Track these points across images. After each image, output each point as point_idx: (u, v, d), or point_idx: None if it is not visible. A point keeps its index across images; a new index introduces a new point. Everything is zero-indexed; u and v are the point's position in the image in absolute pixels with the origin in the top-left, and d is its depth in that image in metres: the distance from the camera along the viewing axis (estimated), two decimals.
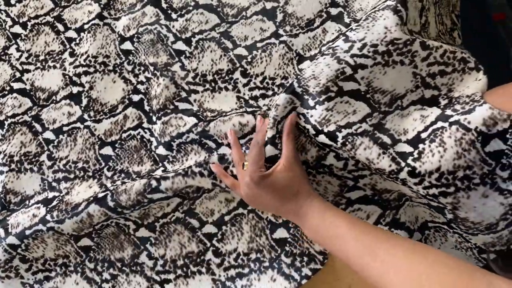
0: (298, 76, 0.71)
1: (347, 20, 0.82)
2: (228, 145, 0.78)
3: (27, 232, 0.80)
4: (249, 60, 0.84)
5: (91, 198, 0.79)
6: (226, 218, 0.80)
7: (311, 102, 0.69)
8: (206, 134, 0.79)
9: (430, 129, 0.64)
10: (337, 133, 0.67)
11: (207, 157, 0.78)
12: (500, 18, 1.02)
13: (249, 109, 0.80)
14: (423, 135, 0.64)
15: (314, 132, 0.69)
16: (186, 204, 0.80)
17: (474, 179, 0.61)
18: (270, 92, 0.82)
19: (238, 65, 0.84)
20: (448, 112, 0.63)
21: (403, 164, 0.64)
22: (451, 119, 0.62)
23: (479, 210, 0.64)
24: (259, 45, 0.84)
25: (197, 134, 0.79)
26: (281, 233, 0.79)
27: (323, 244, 0.66)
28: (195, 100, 0.83)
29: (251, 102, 0.82)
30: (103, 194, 0.78)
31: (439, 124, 0.63)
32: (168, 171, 0.80)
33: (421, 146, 0.63)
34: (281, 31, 0.84)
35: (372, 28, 0.68)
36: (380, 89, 0.68)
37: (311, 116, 0.69)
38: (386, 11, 0.68)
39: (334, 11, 0.83)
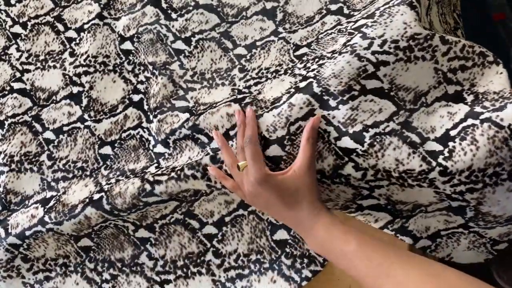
0: (316, 75, 0.68)
1: (346, 11, 0.81)
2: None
3: (27, 233, 0.80)
4: (248, 58, 0.84)
5: (87, 200, 0.78)
6: (227, 219, 0.80)
7: (332, 103, 0.66)
8: (197, 128, 0.77)
9: (459, 127, 0.62)
10: (364, 133, 0.65)
11: (200, 153, 0.76)
12: (500, 18, 1.02)
13: (239, 96, 0.78)
14: (452, 133, 0.62)
15: (336, 135, 0.66)
16: (184, 206, 0.80)
17: (502, 175, 0.60)
18: (263, 79, 0.80)
19: (237, 63, 0.84)
20: (478, 109, 0.62)
21: (434, 163, 0.62)
22: (482, 116, 0.60)
23: (502, 204, 0.63)
24: (258, 43, 0.84)
25: (189, 129, 0.77)
26: (281, 234, 0.79)
27: (328, 258, 0.64)
28: (192, 98, 0.82)
29: (243, 90, 0.80)
30: (98, 196, 0.78)
31: (469, 121, 0.61)
32: (161, 167, 0.79)
33: (451, 144, 0.62)
34: (280, 29, 0.84)
35: (390, 24, 0.65)
36: (403, 86, 0.65)
37: (333, 117, 0.66)
38: (402, 6, 0.66)
39: (334, 7, 0.82)
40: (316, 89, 0.67)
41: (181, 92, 0.83)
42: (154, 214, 0.81)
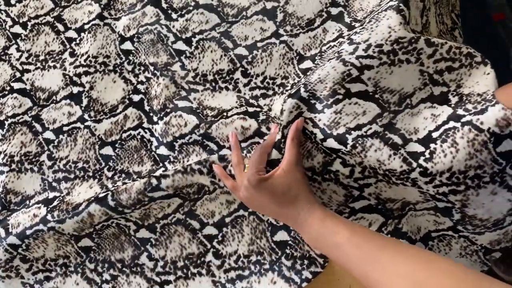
0: (305, 81, 0.71)
1: (347, 20, 0.82)
2: (230, 147, 0.78)
3: (28, 232, 0.80)
4: (250, 60, 0.84)
5: (92, 198, 0.79)
6: (227, 219, 0.80)
7: (318, 106, 0.69)
8: (208, 136, 0.79)
9: (441, 129, 0.63)
10: (347, 135, 0.67)
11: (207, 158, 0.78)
12: (500, 18, 1.02)
13: (250, 109, 0.80)
14: (435, 135, 0.64)
15: (322, 137, 0.69)
16: (187, 205, 0.80)
17: (484, 177, 0.61)
18: (270, 92, 0.82)
19: (238, 65, 0.84)
20: (460, 111, 0.63)
21: (414, 164, 0.63)
22: (463, 119, 0.61)
23: (487, 207, 0.64)
24: (259, 44, 0.84)
25: (200, 135, 0.79)
26: (281, 235, 0.79)
27: (323, 251, 0.65)
28: (194, 99, 0.83)
29: (251, 101, 0.82)
30: (104, 194, 0.78)
31: (451, 124, 0.62)
32: (169, 170, 0.80)
33: (432, 145, 0.63)
34: (281, 31, 0.84)
35: (376, 28, 0.68)
36: (388, 88, 0.67)
37: (319, 120, 0.69)
38: (389, 11, 0.68)
39: (334, 10, 0.83)
40: (304, 94, 0.70)
41: (183, 93, 0.83)
42: (156, 213, 0.81)
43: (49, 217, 0.80)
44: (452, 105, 0.65)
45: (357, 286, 0.77)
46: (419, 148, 0.64)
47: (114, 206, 0.78)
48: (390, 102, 0.67)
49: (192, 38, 0.87)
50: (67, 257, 0.83)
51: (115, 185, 0.81)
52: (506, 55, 1.02)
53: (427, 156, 0.63)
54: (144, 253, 0.82)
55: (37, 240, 0.81)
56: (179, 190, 0.78)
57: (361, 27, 0.70)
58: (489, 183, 0.61)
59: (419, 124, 0.65)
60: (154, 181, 0.77)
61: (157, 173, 0.78)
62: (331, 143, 0.68)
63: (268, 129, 0.77)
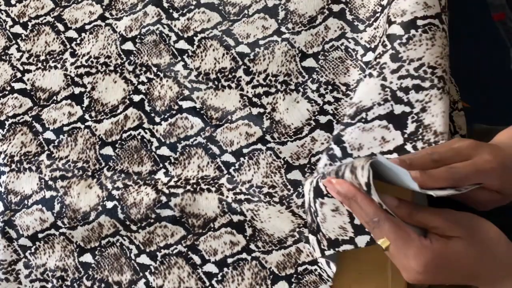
0: (336, 116, 0.79)
1: (349, 17, 0.83)
2: (233, 152, 0.80)
3: (40, 235, 0.81)
4: (252, 57, 0.85)
5: (99, 208, 0.80)
6: (229, 260, 0.79)
7: None
8: (213, 139, 0.81)
9: None
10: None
11: (210, 163, 0.80)
12: (500, 18, 1.03)
13: (254, 111, 0.82)
14: None
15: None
16: (190, 239, 0.80)
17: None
18: (273, 90, 0.83)
19: (241, 63, 0.85)
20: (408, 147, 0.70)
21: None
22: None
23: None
24: (261, 42, 0.85)
25: (204, 138, 0.81)
26: (282, 286, 0.77)
27: None
28: (197, 98, 0.84)
29: (254, 100, 0.83)
30: (111, 204, 0.79)
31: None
32: (172, 175, 0.80)
33: None
34: (283, 29, 0.85)
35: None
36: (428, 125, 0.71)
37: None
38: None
39: (336, 7, 0.84)
40: (336, 130, 0.75)
41: (186, 92, 0.84)
42: (159, 241, 0.80)
43: (59, 223, 0.80)
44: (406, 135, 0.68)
45: (357, 286, 0.76)
46: None
47: (123, 219, 0.79)
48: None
49: (194, 37, 0.87)
50: (65, 271, 0.82)
51: (115, 186, 0.81)
52: (506, 55, 1.03)
53: None
54: (142, 279, 0.80)
55: (47, 245, 0.82)
56: (186, 215, 0.78)
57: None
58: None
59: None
60: (163, 198, 0.78)
61: (166, 190, 0.79)
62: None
63: (272, 137, 0.80)
